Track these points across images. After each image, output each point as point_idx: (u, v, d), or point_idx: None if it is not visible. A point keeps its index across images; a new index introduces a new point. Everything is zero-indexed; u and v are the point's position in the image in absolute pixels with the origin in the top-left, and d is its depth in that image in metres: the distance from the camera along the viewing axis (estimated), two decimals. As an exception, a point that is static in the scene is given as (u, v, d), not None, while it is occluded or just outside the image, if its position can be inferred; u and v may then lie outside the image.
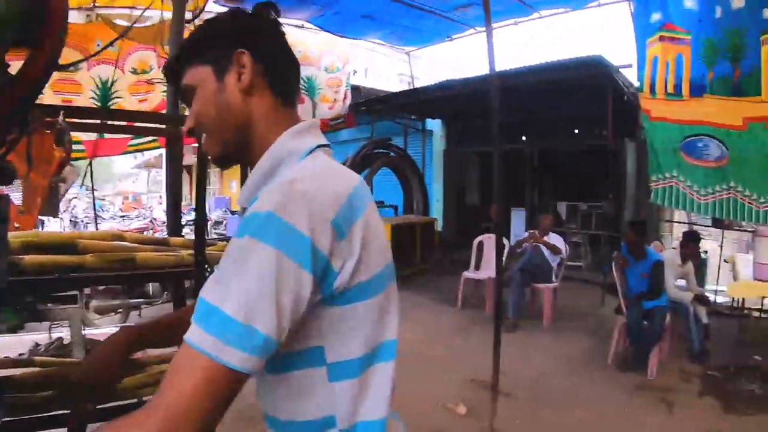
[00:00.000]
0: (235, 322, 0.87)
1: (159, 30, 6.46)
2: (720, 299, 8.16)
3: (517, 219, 12.94)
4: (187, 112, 1.26)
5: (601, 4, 9.28)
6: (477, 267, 8.55)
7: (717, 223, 8.81)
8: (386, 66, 16.99)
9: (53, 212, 3.07)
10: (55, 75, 7.03)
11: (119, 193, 35.36)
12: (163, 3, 5.50)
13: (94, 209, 11.73)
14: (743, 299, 7.53)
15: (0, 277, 1.64)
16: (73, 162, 3.06)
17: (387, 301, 1.20)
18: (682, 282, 6.48)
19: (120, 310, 5.81)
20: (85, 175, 8.60)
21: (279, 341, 0.93)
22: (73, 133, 2.46)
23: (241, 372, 0.89)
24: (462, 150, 13.77)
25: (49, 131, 2.27)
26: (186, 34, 3.85)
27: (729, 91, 5.56)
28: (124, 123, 3.02)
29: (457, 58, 17.22)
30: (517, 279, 7.44)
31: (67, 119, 2.29)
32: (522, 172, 12.53)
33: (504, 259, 7.87)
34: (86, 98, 7.70)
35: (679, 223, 10.23)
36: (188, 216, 15.43)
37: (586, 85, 8.53)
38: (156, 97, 8.36)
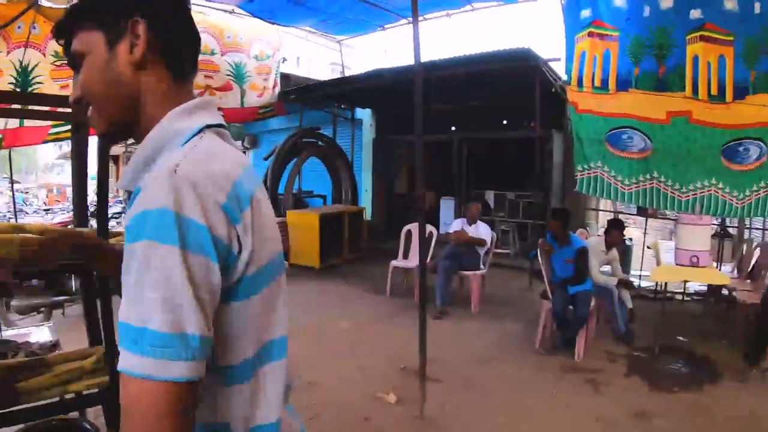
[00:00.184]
0: (167, 335, 0.84)
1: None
2: (644, 284, 8.52)
3: (446, 207, 13.09)
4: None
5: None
6: (405, 256, 8.59)
7: (641, 212, 9.18)
8: (318, 55, 16.87)
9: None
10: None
11: (43, 186, 33.08)
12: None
13: (14, 203, 11.20)
14: (665, 283, 7.87)
15: None
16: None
17: (278, 293, 1.15)
18: (607, 268, 6.71)
19: (42, 309, 5.58)
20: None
21: (210, 335, 0.91)
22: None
23: (191, 381, 0.87)
24: (391, 139, 13.78)
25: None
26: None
27: (654, 86, 5.78)
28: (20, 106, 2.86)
29: (390, 48, 17.27)
30: (443, 267, 7.51)
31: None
32: (451, 162, 12.70)
33: (432, 247, 8.04)
34: (5, 83, 7.21)
35: (605, 211, 10.59)
36: (114, 208, 14.97)
37: (515, 77, 8.66)
38: (79, 83, 7.95)
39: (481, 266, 7.84)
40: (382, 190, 14.52)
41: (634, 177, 6.10)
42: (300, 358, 5.39)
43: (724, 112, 5.59)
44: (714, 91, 5.56)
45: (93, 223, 2.78)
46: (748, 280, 7.19)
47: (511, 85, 9.26)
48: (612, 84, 5.96)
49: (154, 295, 0.85)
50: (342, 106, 14.01)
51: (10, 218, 15.10)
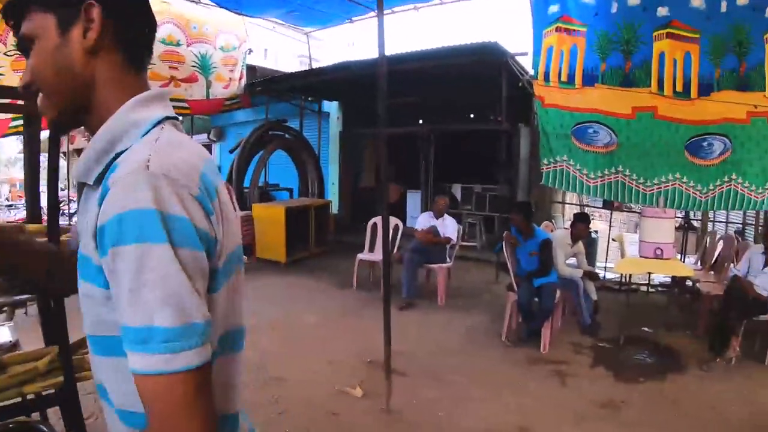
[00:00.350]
0: (176, 329, 0.85)
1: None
2: (609, 275, 8.63)
3: (413, 200, 13.13)
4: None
5: (501, -6, 9.49)
6: (371, 249, 8.57)
7: (606, 205, 9.28)
8: (286, 47, 16.77)
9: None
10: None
11: (5, 181, 32.41)
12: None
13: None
14: (630, 275, 7.97)
15: None
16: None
17: (239, 284, 1.12)
18: (573, 260, 6.78)
19: (5, 308, 5.46)
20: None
21: (210, 317, 0.91)
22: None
23: (205, 364, 0.89)
24: (358, 132, 13.76)
25: None
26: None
27: (620, 82, 5.84)
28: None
29: (358, 40, 17.22)
30: (409, 259, 7.51)
31: None
32: (418, 155, 12.70)
33: (398, 240, 8.04)
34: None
35: (571, 204, 10.69)
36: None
37: (482, 71, 8.71)
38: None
39: (447, 259, 7.86)
40: (349, 183, 14.51)
41: (599, 171, 6.16)
42: (266, 353, 5.36)
43: (689, 108, 5.68)
44: (679, 87, 5.64)
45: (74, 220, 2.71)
46: (712, 272, 7.32)
47: (478, 79, 9.29)
48: (578, 79, 6.01)
49: (154, 294, 0.85)
50: (309, 99, 13.92)
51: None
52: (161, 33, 9.32)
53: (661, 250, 5.80)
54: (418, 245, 7.70)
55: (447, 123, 12.11)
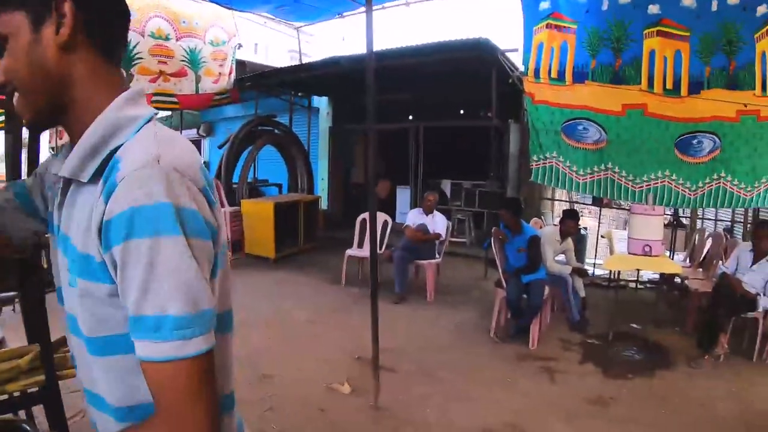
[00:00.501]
0: (187, 316, 0.88)
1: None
2: (598, 272, 8.65)
3: (403, 196, 13.11)
4: None
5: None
6: (360, 245, 8.53)
7: (596, 202, 9.31)
8: (277, 42, 16.69)
9: None
10: None
11: None
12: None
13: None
14: (619, 272, 7.99)
15: None
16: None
17: (227, 268, 1.14)
18: (562, 257, 6.80)
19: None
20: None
21: (215, 303, 0.96)
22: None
23: (211, 349, 0.92)
24: (348, 128, 13.72)
25: None
26: None
27: (610, 79, 5.85)
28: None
29: (348, 35, 17.16)
30: (399, 257, 7.54)
31: None
32: (408, 151, 12.68)
33: (387, 236, 8.03)
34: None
35: (560, 201, 10.70)
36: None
37: (473, 67, 8.67)
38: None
39: (436, 255, 7.88)
40: (339, 178, 14.46)
41: (588, 167, 6.18)
42: (254, 349, 5.35)
43: (679, 105, 5.69)
44: (669, 85, 5.66)
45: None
46: (700, 269, 7.35)
47: (469, 76, 9.26)
48: (569, 76, 6.01)
49: (168, 284, 0.88)
50: (299, 94, 13.86)
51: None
52: (150, 27, 9.27)
53: (650, 247, 5.81)
54: (408, 243, 7.70)
55: (437, 119, 12.10)
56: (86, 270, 0.96)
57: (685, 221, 9.93)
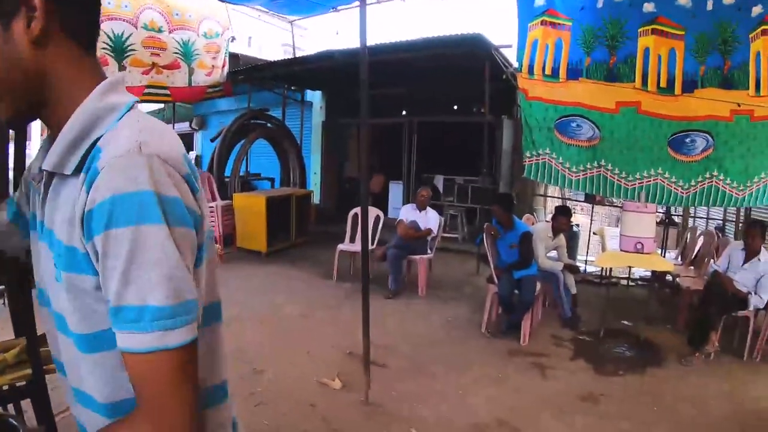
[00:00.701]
0: (169, 307, 0.87)
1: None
2: (590, 269, 8.67)
3: (396, 191, 13.13)
4: None
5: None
6: (352, 239, 8.53)
7: (588, 199, 9.32)
8: (271, 36, 16.62)
9: None
10: None
11: None
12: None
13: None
14: (611, 269, 8.02)
15: None
16: None
17: (213, 256, 1.13)
18: (554, 253, 6.81)
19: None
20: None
21: (198, 294, 0.94)
22: None
23: (193, 341, 0.91)
24: (341, 122, 13.72)
25: None
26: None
27: (604, 76, 5.84)
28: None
29: (342, 29, 17.13)
30: (392, 255, 7.54)
31: None
32: (401, 146, 12.67)
33: (379, 231, 8.03)
34: None
35: (553, 197, 10.73)
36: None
37: (467, 62, 8.68)
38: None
39: (428, 251, 7.89)
40: (332, 173, 14.46)
41: (581, 164, 6.17)
42: (245, 344, 5.33)
43: (673, 104, 5.69)
44: (663, 83, 5.66)
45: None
46: (692, 267, 7.38)
47: (463, 71, 9.27)
48: (563, 72, 6.00)
49: (151, 274, 0.87)
50: (292, 88, 13.81)
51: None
52: (143, 19, 9.20)
53: (642, 244, 5.82)
54: (400, 241, 7.71)
55: (431, 114, 12.12)
56: (71, 263, 0.95)
57: (677, 219, 9.96)
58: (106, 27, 8.49)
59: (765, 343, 5.57)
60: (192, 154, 17.37)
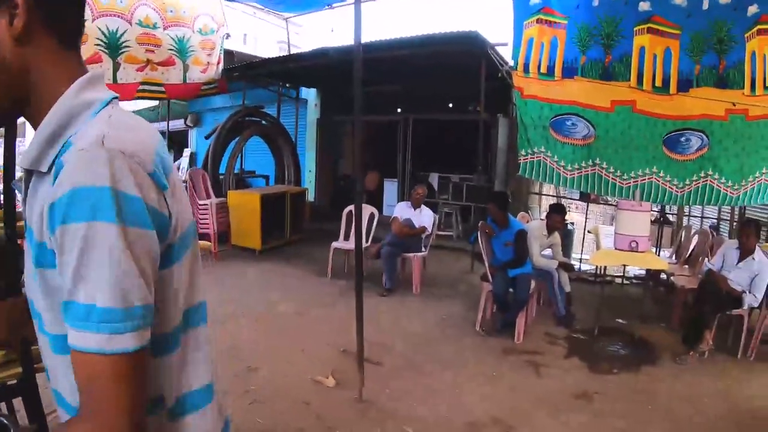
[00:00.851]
0: (116, 310, 0.85)
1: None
2: (584, 267, 8.68)
3: (390, 189, 13.11)
4: None
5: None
6: (347, 237, 8.47)
7: (583, 197, 9.33)
8: (266, 33, 16.60)
9: None
10: None
11: None
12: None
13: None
14: (605, 267, 8.03)
15: None
16: None
17: (195, 258, 1.12)
18: (548, 251, 6.81)
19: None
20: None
21: (152, 302, 0.92)
22: None
23: (141, 348, 0.89)
24: (336, 119, 13.71)
25: None
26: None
27: (599, 75, 5.85)
28: None
29: (337, 27, 17.11)
30: (387, 253, 7.55)
31: None
32: (396, 143, 12.66)
33: (373, 229, 8.03)
34: None
35: (548, 195, 10.73)
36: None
37: (462, 60, 8.66)
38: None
39: (423, 248, 7.90)
40: (327, 170, 14.45)
41: (576, 163, 6.17)
42: (240, 341, 5.31)
43: (668, 103, 5.70)
44: (658, 82, 5.66)
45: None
46: (686, 266, 7.39)
47: (458, 69, 9.25)
48: (558, 71, 6.00)
49: (98, 273, 0.85)
50: (287, 85, 13.79)
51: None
52: (138, 15, 9.16)
53: (637, 243, 5.84)
54: (395, 238, 7.70)
55: (426, 112, 12.12)
56: (42, 259, 0.94)
57: (671, 218, 9.98)
58: (100, 23, 8.46)
59: (759, 342, 5.59)
60: (186, 152, 17.33)
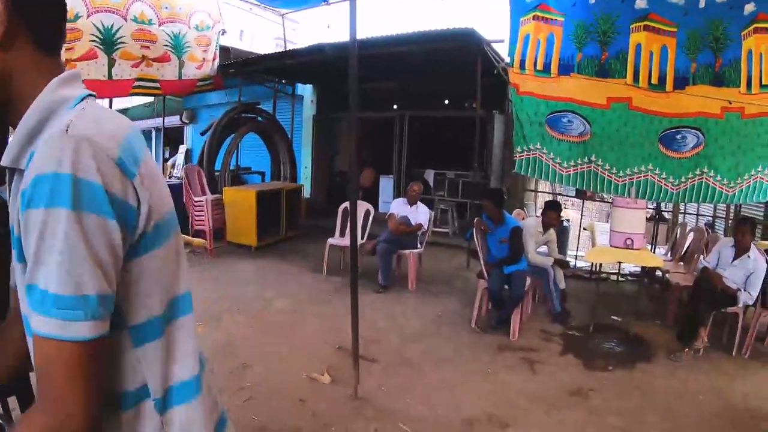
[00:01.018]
0: (67, 297, 0.86)
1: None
2: (580, 264, 8.69)
3: (386, 185, 13.10)
4: None
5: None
6: (342, 233, 8.48)
7: (579, 194, 9.34)
8: (262, 29, 16.57)
9: None
10: None
11: None
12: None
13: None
14: (600, 264, 8.04)
15: None
16: None
17: (177, 248, 1.13)
18: (544, 248, 6.81)
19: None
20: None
21: (113, 291, 0.92)
22: None
23: (96, 338, 0.89)
24: (332, 116, 13.68)
25: None
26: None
27: (595, 72, 5.87)
28: None
29: (334, 23, 17.07)
30: (383, 250, 7.54)
31: None
32: (392, 140, 12.65)
33: (368, 225, 8.02)
34: None
35: (544, 192, 10.73)
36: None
37: (458, 56, 8.67)
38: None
39: (418, 245, 7.89)
40: (323, 167, 14.41)
41: (572, 160, 6.19)
42: (235, 338, 5.31)
43: (664, 100, 5.72)
44: (655, 79, 5.68)
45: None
46: (681, 263, 7.39)
47: (454, 66, 9.25)
48: (554, 68, 6.02)
49: (53, 259, 0.86)
50: (283, 82, 13.74)
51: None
52: (133, 11, 9.13)
53: (632, 240, 5.84)
54: (390, 235, 7.69)
55: (422, 108, 12.11)
56: (21, 252, 0.94)
57: (667, 215, 9.99)
58: (95, 19, 8.44)
59: (754, 340, 5.60)
60: (182, 148, 17.31)
